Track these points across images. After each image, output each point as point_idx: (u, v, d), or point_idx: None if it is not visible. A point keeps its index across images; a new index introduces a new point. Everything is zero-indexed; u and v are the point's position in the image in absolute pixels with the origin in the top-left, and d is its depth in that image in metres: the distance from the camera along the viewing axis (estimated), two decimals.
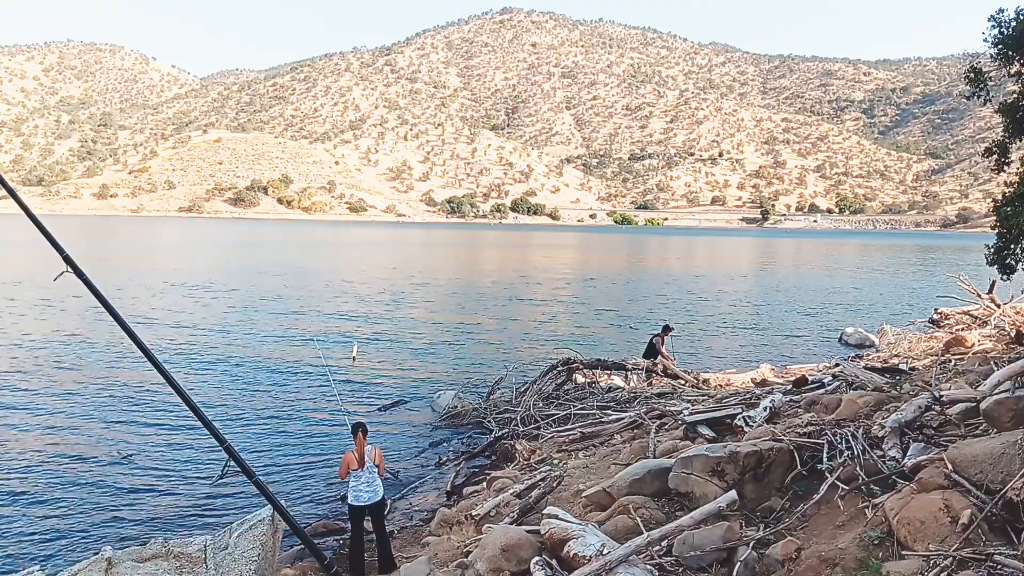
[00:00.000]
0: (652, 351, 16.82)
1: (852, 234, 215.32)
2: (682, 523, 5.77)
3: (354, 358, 20.73)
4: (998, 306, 20.03)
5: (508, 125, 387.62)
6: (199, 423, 5.89)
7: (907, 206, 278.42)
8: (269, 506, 6.18)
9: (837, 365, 15.97)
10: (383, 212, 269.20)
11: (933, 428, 7.16)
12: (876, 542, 5.15)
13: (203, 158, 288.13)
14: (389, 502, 9.85)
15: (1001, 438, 5.38)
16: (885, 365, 13.88)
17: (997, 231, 9.54)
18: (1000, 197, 9.82)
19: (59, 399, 15.86)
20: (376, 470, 7.84)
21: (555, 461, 10.48)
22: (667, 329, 17.25)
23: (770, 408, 9.67)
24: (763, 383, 15.29)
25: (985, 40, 9.48)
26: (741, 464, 6.84)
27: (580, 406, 13.80)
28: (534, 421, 13.27)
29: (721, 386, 15.73)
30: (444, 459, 12.57)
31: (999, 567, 4.35)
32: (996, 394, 6.80)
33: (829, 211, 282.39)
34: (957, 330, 19.34)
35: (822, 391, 10.88)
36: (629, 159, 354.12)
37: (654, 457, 8.76)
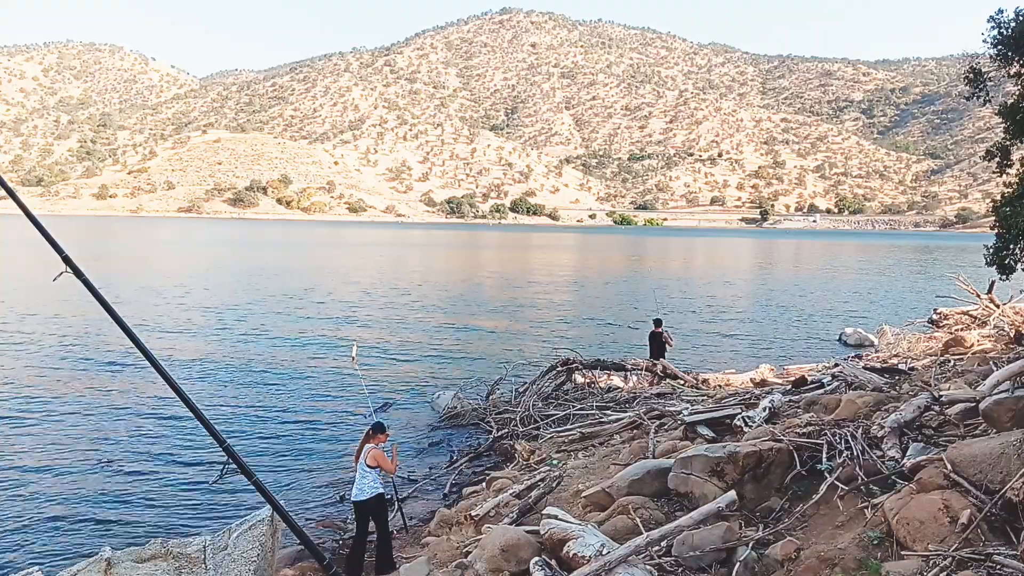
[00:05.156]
0: (660, 348, 16.73)
1: (851, 234, 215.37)
2: (681, 523, 5.77)
3: (354, 358, 20.68)
4: (997, 306, 20.01)
5: (507, 125, 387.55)
6: (199, 423, 5.90)
7: (906, 206, 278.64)
8: (268, 506, 6.17)
9: (836, 365, 15.96)
10: (382, 212, 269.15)
11: (932, 428, 7.17)
12: (876, 542, 5.16)
13: (202, 158, 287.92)
14: (396, 502, 9.75)
15: (1000, 438, 5.38)
16: (884, 365, 13.90)
17: (996, 231, 9.51)
18: (999, 197, 9.81)
19: (58, 399, 15.85)
20: (367, 469, 7.77)
21: (555, 461, 10.48)
22: (658, 323, 17.21)
23: (769, 408, 9.68)
24: (762, 383, 15.30)
25: (984, 41, 9.46)
26: (741, 464, 6.84)
27: (580, 406, 13.80)
28: (534, 421, 13.27)
29: (720, 386, 15.73)
30: (444, 459, 12.56)
31: (998, 567, 4.35)
32: (995, 394, 6.79)
33: (828, 211, 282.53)
34: (956, 330, 19.34)
35: (821, 391, 10.87)
36: (628, 159, 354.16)
37: (654, 457, 8.76)
